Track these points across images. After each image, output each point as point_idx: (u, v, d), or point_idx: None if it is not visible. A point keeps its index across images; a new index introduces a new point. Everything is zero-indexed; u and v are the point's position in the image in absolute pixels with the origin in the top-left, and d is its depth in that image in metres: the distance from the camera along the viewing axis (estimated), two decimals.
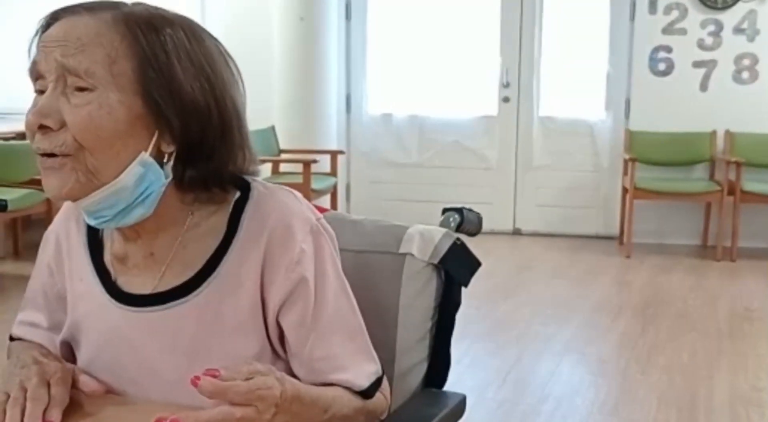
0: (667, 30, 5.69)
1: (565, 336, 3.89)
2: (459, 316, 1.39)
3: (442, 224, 1.44)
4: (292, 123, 5.88)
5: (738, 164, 5.29)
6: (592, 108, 6.00)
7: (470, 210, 1.48)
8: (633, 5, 5.75)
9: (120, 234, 1.11)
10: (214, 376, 0.93)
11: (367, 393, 1.14)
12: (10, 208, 4.34)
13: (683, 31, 5.66)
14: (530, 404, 3.08)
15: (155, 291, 1.09)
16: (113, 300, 1.11)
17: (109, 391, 1.13)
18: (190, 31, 1.04)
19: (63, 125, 0.98)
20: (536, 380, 3.36)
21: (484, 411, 2.99)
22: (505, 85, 6.10)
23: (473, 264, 1.38)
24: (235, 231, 1.09)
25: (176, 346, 1.08)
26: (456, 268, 1.36)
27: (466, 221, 1.46)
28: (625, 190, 5.63)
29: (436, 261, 1.35)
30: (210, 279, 1.08)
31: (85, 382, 1.09)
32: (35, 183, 4.69)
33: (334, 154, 5.77)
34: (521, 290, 4.74)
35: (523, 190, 6.20)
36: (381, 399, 1.18)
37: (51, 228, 1.21)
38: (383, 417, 1.19)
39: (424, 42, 6.18)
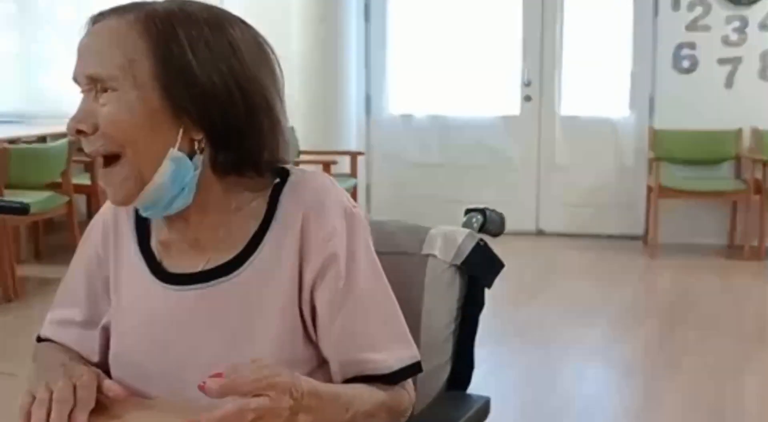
0: (691, 27, 5.62)
1: (591, 338, 3.84)
2: (482, 318, 1.38)
3: (465, 225, 1.43)
4: (312, 124, 5.87)
5: (765, 163, 5.21)
6: (616, 106, 5.94)
7: (493, 210, 1.47)
8: (656, 2, 5.68)
9: (166, 220, 1.16)
10: (219, 376, 0.94)
11: (393, 378, 1.12)
12: (32, 210, 4.35)
13: (707, 28, 5.59)
14: (555, 407, 3.04)
15: (199, 270, 1.13)
16: (158, 281, 1.15)
17: (133, 395, 1.14)
18: (213, 21, 1.08)
19: (95, 128, 1.06)
20: (561, 383, 3.32)
21: (508, 414, 2.95)
22: (527, 84, 6.06)
23: (497, 265, 1.37)
24: (274, 212, 1.13)
25: (218, 324, 1.11)
26: (479, 269, 1.36)
27: (489, 221, 1.44)
28: (649, 190, 5.56)
29: (459, 263, 1.35)
30: (251, 259, 1.12)
31: (110, 386, 1.09)
32: (57, 186, 4.71)
33: (354, 155, 5.75)
34: (545, 291, 4.69)
35: (546, 189, 6.15)
36: (404, 395, 1.15)
37: (98, 216, 1.25)
38: (407, 415, 1.17)
39: (444, 41, 6.15)
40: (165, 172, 1.07)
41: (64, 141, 4.68)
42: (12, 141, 4.84)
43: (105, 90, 1.05)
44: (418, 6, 6.24)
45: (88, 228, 1.26)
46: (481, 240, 1.37)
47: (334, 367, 1.14)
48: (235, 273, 1.12)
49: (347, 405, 1.07)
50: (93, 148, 1.07)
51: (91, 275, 1.22)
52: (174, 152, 1.07)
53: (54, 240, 5.57)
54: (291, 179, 1.16)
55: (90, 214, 5.72)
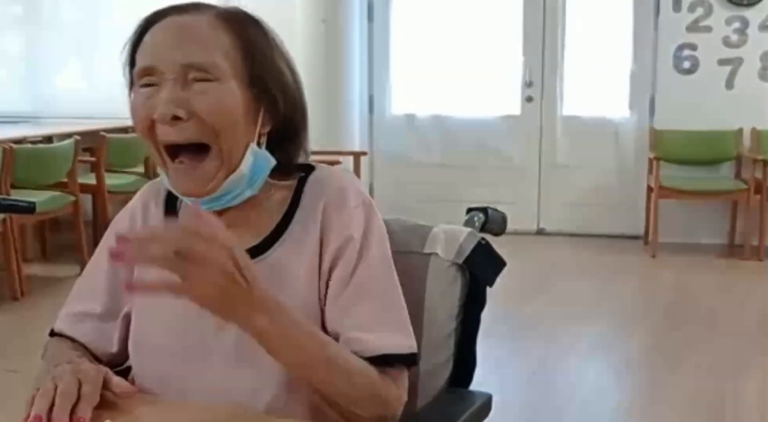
0: (692, 27, 5.63)
1: (591, 337, 3.87)
2: (484, 316, 1.40)
3: (467, 224, 1.44)
4: (315, 124, 5.78)
5: (765, 162, 5.22)
6: (617, 107, 5.96)
7: (495, 209, 1.48)
8: (657, 3, 5.69)
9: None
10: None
11: (379, 362, 1.11)
12: (38, 210, 4.39)
13: (708, 29, 5.61)
14: (556, 405, 3.06)
15: None
16: None
17: (141, 392, 1.15)
18: (268, 25, 1.17)
19: (192, 115, 1.06)
20: (562, 381, 3.34)
21: (510, 412, 2.97)
22: (528, 85, 6.08)
23: (498, 264, 1.38)
24: (299, 201, 1.18)
25: None
26: (481, 268, 1.37)
27: (490, 220, 1.46)
28: (650, 189, 5.58)
29: (460, 261, 1.35)
30: (278, 242, 1.16)
31: (117, 383, 1.10)
32: (63, 186, 4.74)
33: (357, 155, 5.77)
34: (546, 290, 4.72)
35: (547, 189, 6.18)
36: (391, 386, 1.13)
37: (124, 211, 1.28)
38: (391, 409, 1.14)
39: (446, 42, 6.17)
40: (247, 163, 1.11)
41: (70, 141, 4.71)
42: (18, 141, 4.85)
43: (201, 79, 1.07)
44: (420, 7, 6.25)
45: (113, 223, 1.29)
46: (483, 239, 1.38)
47: None
48: (263, 255, 1.15)
49: (324, 344, 1.07)
50: (183, 136, 1.07)
51: (115, 267, 1.25)
52: (253, 145, 1.12)
53: (60, 239, 5.61)
54: (316, 173, 1.21)
55: (96, 214, 5.75)
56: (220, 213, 1.15)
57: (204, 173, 1.10)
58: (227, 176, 1.11)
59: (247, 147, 1.11)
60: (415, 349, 1.17)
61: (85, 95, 6.41)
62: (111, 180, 5.22)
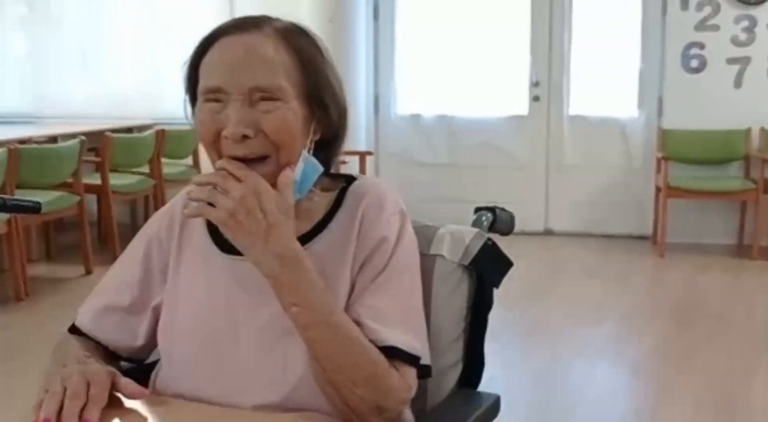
0: (700, 26, 5.61)
1: (599, 338, 3.85)
2: (491, 317, 1.39)
3: (475, 223, 1.44)
4: None
5: None
6: (624, 106, 5.93)
7: (503, 209, 1.48)
8: (665, 2, 5.67)
9: None
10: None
11: (393, 353, 1.15)
12: (43, 210, 4.38)
13: (716, 28, 5.58)
14: (564, 406, 3.04)
15: None
16: (224, 253, 1.23)
17: (151, 394, 1.18)
18: (318, 38, 1.24)
19: (258, 133, 1.14)
20: (570, 382, 3.32)
21: (518, 413, 2.96)
22: (535, 84, 6.06)
23: (505, 265, 1.38)
24: (341, 203, 1.26)
25: None
26: (487, 269, 1.37)
27: (498, 220, 1.45)
28: (658, 189, 5.56)
29: (466, 263, 1.36)
30: (318, 237, 1.22)
31: (126, 385, 1.12)
32: (67, 186, 4.74)
33: (362, 155, 5.76)
34: (554, 291, 4.70)
35: (554, 189, 6.15)
36: (394, 374, 1.15)
37: (163, 210, 1.34)
38: (392, 399, 1.15)
39: (452, 41, 6.15)
40: (298, 170, 1.18)
41: (74, 141, 4.71)
42: (23, 141, 4.87)
43: (266, 99, 1.14)
44: (426, 6, 6.24)
45: (149, 222, 1.35)
46: (490, 239, 1.38)
47: None
48: (303, 247, 1.18)
49: (334, 310, 1.12)
50: (250, 151, 1.14)
51: (149, 261, 1.30)
52: (305, 153, 1.19)
53: (64, 239, 5.61)
54: (359, 181, 1.29)
55: (100, 214, 5.75)
56: None
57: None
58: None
59: (298, 155, 1.18)
60: (420, 354, 1.19)
61: (90, 95, 6.41)
62: (116, 180, 5.22)
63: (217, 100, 1.16)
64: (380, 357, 1.14)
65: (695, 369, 3.38)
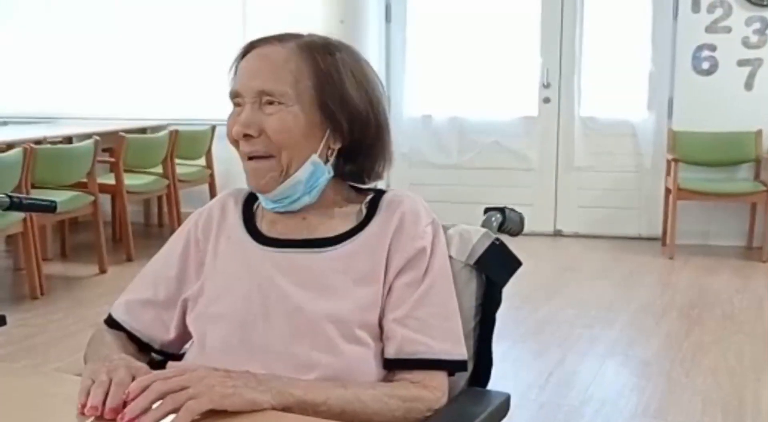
0: (711, 28, 5.61)
1: (609, 338, 3.86)
2: (502, 317, 1.40)
3: (485, 224, 1.45)
4: None
5: None
6: (635, 108, 5.93)
7: (512, 209, 1.49)
8: (676, 3, 5.67)
9: (281, 213, 1.36)
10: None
11: (435, 365, 1.26)
12: (59, 209, 4.43)
13: (727, 29, 5.58)
14: (573, 405, 3.06)
15: (302, 238, 1.32)
16: (259, 245, 1.32)
17: None
18: (353, 54, 1.34)
19: (261, 132, 1.27)
20: (579, 381, 3.34)
21: (527, 412, 2.98)
22: (546, 86, 6.07)
23: (513, 264, 1.40)
24: (375, 212, 1.34)
25: (310, 281, 1.27)
26: (493, 269, 1.39)
27: (508, 220, 1.47)
28: (668, 191, 5.56)
29: (472, 262, 1.38)
30: (351, 239, 1.30)
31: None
32: (82, 186, 4.78)
33: None
34: (564, 291, 4.71)
35: (564, 191, 6.16)
36: (423, 393, 1.24)
37: (203, 209, 1.43)
38: (425, 412, 1.23)
39: (463, 43, 6.17)
40: (305, 171, 1.29)
41: (89, 141, 4.75)
42: (38, 141, 4.91)
43: (271, 103, 1.26)
44: (438, 8, 6.25)
45: (188, 220, 1.43)
46: (497, 239, 1.40)
47: (393, 344, 1.26)
48: (334, 246, 1.30)
49: (325, 400, 1.15)
50: (253, 149, 1.28)
51: (186, 258, 1.38)
52: (315, 157, 1.29)
53: (79, 239, 5.66)
54: (392, 192, 1.38)
55: (114, 214, 5.80)
56: (301, 215, 1.34)
57: (262, 173, 1.30)
58: (283, 179, 1.30)
59: (307, 159, 1.28)
60: (464, 357, 1.30)
61: (105, 96, 6.46)
62: (129, 180, 5.27)
63: (238, 104, 1.30)
64: (403, 392, 1.22)
65: (704, 370, 3.39)
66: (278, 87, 1.26)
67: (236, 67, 1.33)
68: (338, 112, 1.29)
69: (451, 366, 1.28)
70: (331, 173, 1.33)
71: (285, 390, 1.11)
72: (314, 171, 1.30)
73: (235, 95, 1.30)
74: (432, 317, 1.27)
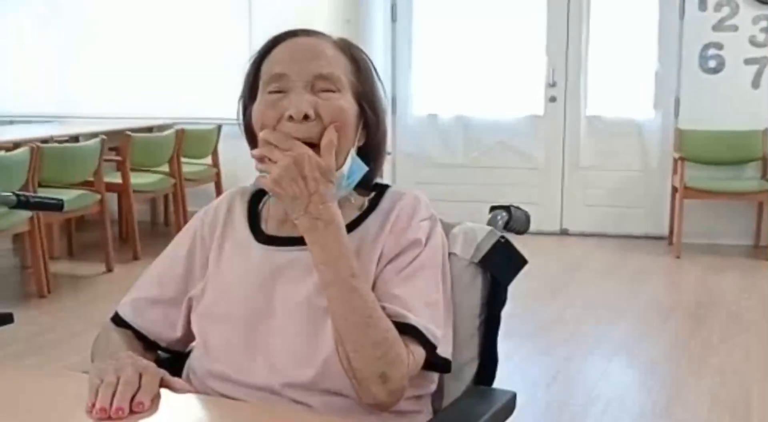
0: (718, 27, 5.59)
1: (615, 337, 3.86)
2: (508, 315, 1.40)
3: (490, 222, 1.45)
4: None
5: None
6: (641, 107, 5.93)
7: (518, 208, 1.49)
8: (682, 2, 5.66)
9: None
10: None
11: (407, 329, 1.21)
12: (65, 208, 4.45)
13: (734, 28, 5.56)
14: (580, 404, 3.06)
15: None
16: (261, 245, 1.32)
17: (185, 379, 1.27)
18: (366, 53, 1.37)
19: (317, 116, 1.24)
20: (586, 380, 3.34)
21: (533, 411, 2.98)
22: (552, 85, 6.06)
23: (518, 263, 1.40)
24: (377, 204, 1.35)
25: (309, 279, 1.25)
26: (497, 267, 1.39)
27: (513, 219, 1.46)
28: (674, 190, 5.55)
29: (477, 261, 1.37)
30: (352, 233, 1.28)
31: (173, 381, 1.16)
32: (89, 184, 4.80)
33: None
34: (570, 290, 4.71)
35: (570, 189, 6.16)
36: (403, 350, 1.19)
37: (212, 204, 1.43)
38: (394, 374, 1.17)
39: (469, 42, 6.16)
40: (347, 166, 1.28)
41: (96, 140, 4.76)
42: (45, 140, 4.92)
43: (326, 90, 1.26)
44: (444, 7, 6.25)
45: (194, 218, 1.43)
46: (502, 237, 1.39)
47: None
48: None
49: (354, 274, 1.19)
50: (308, 134, 1.23)
51: (192, 257, 1.38)
52: (353, 151, 1.29)
53: (86, 237, 5.67)
54: (394, 188, 1.39)
55: (121, 212, 5.81)
56: None
57: None
58: None
59: (347, 152, 1.28)
60: (437, 342, 1.24)
61: (111, 95, 6.47)
62: (136, 179, 5.28)
63: (278, 91, 1.25)
64: (391, 326, 1.19)
65: (711, 369, 3.38)
66: (335, 72, 1.27)
67: (260, 56, 1.30)
68: (370, 107, 1.32)
69: (420, 339, 1.21)
70: (367, 168, 1.32)
71: (334, 236, 1.20)
72: (353, 165, 1.30)
73: (276, 79, 1.26)
74: (413, 298, 1.24)
